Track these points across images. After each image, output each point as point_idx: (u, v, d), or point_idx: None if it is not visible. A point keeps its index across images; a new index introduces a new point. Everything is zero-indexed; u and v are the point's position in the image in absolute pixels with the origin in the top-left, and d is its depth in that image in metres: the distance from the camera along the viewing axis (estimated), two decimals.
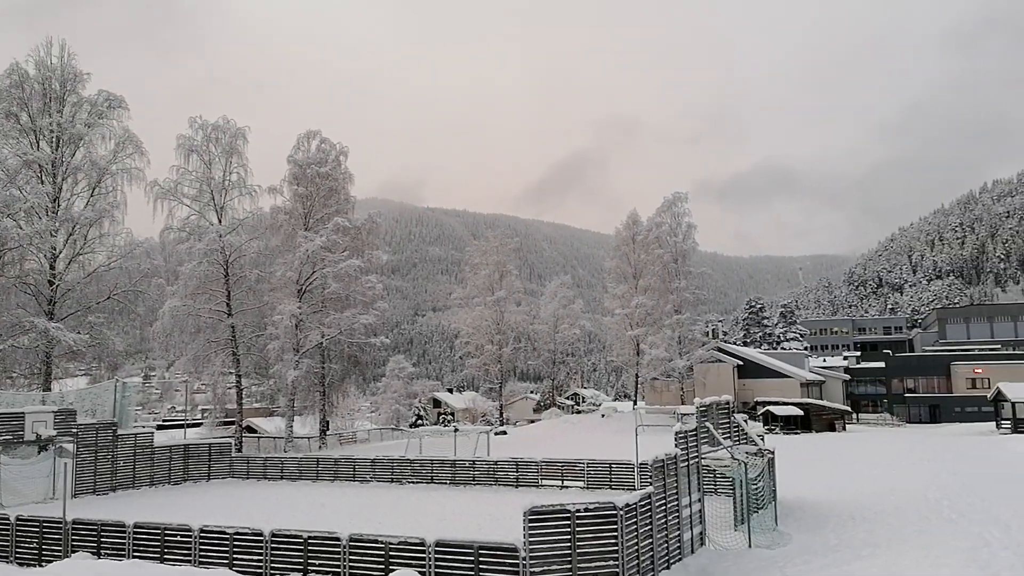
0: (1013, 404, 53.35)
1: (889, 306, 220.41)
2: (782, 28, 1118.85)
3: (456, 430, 49.73)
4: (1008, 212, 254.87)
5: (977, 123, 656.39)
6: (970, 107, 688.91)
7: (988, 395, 61.00)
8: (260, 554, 15.68)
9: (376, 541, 14.57)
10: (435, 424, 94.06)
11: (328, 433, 56.24)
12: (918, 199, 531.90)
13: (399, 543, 14.29)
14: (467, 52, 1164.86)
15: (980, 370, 77.14)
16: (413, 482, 34.79)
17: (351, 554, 14.76)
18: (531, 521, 12.96)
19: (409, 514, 25.83)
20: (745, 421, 23.71)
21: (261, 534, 15.79)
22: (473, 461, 34.57)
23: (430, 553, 13.86)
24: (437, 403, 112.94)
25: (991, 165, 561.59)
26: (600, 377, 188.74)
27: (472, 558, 13.47)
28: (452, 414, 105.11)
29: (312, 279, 52.04)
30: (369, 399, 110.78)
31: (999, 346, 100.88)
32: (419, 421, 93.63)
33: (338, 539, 14.96)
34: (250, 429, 65.01)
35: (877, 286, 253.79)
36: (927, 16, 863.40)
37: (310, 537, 15.29)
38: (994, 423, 58.01)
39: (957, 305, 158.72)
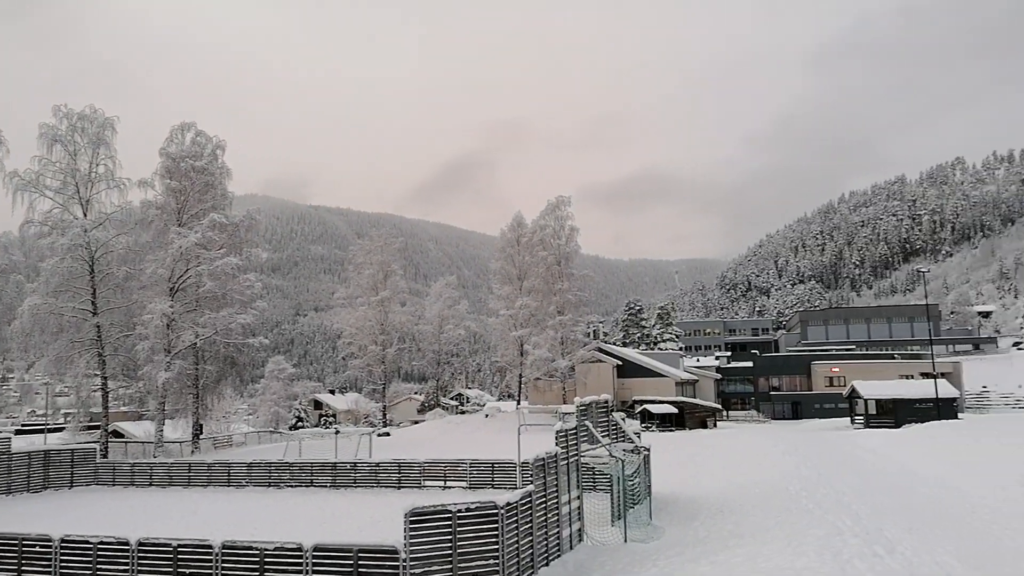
0: (865, 401, 57.32)
1: (757, 308, 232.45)
2: (665, 41, 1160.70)
3: (337, 432, 48.89)
4: (863, 221, 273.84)
5: (838, 138, 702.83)
6: (832, 123, 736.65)
7: (844, 392, 65.23)
8: (127, 565, 14.95)
9: (251, 548, 14.17)
10: (316, 426, 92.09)
11: (202, 437, 54.07)
12: (784, 208, 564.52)
13: (275, 549, 13.96)
14: (357, 50, 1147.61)
15: (837, 369, 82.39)
16: (292, 486, 33.95)
17: (224, 562, 14.28)
18: (412, 522, 12.94)
19: (287, 519, 25.24)
20: (623, 419, 24.46)
21: (127, 543, 15.05)
22: (354, 463, 34.08)
23: (307, 558, 13.61)
24: (319, 405, 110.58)
25: (849, 177, 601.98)
26: (485, 377, 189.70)
27: (351, 562, 13.31)
28: (334, 416, 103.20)
29: (186, 277, 49.92)
30: (247, 401, 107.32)
31: (854, 346, 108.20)
32: (299, 423, 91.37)
33: (210, 547, 14.45)
34: (117, 434, 61.70)
35: (747, 289, 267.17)
36: (795, 37, 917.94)
37: (180, 545, 14.70)
38: (849, 418, 62.14)
39: (817, 308, 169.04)
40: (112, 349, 48.91)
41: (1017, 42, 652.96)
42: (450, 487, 31.36)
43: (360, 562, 13.25)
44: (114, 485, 37.31)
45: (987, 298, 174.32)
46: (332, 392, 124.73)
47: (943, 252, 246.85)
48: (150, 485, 36.54)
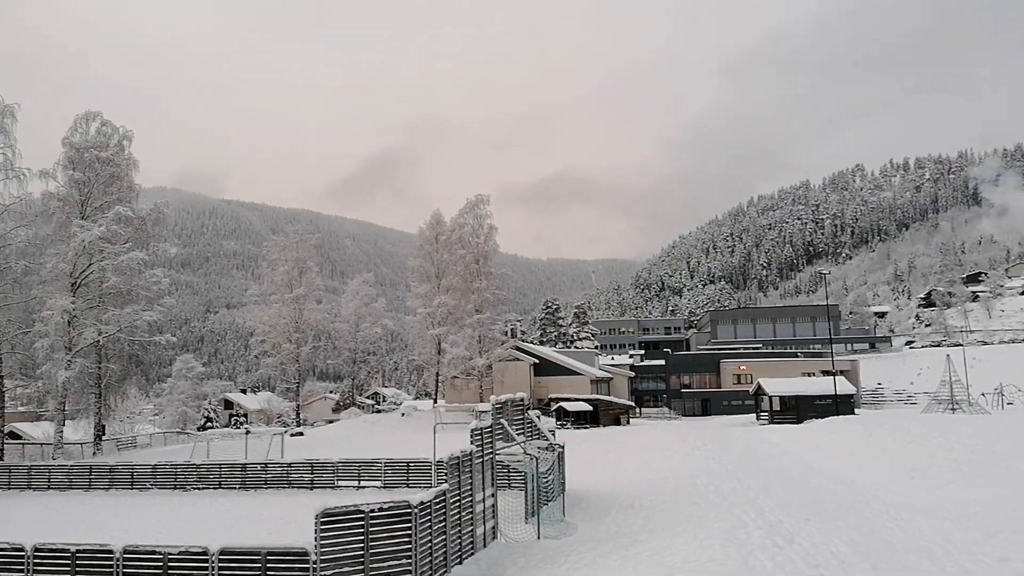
0: (770, 397, 59.55)
1: (670, 308, 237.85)
2: (585, 46, 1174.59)
3: (248, 432, 47.71)
4: (770, 224, 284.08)
5: (748, 144, 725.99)
6: (743, 129, 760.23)
7: (750, 390, 67.56)
8: (22, 572, 14.27)
9: (154, 552, 13.73)
10: (227, 427, 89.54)
11: (104, 438, 51.88)
12: (697, 210, 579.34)
13: (179, 553, 13.56)
14: (278, 44, 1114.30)
15: (744, 367, 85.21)
16: (199, 488, 33.02)
17: (125, 568, 13.80)
18: (323, 523, 12.78)
19: (193, 522, 24.54)
20: (538, 417, 24.75)
21: (23, 549, 14.37)
22: (265, 464, 33.39)
23: (213, 562, 13.28)
24: (229, 404, 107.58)
25: (758, 182, 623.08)
26: (402, 376, 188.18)
27: (259, 565, 13.07)
28: (245, 416, 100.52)
29: (88, 272, 47.82)
30: (153, 401, 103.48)
31: (760, 345, 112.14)
32: (208, 424, 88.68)
33: (111, 552, 13.93)
34: (14, 435, 58.65)
35: (660, 289, 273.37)
36: (710, 46, 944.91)
37: (79, 551, 14.12)
38: (755, 415, 64.40)
39: (727, 308, 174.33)
40: (9, 347, 46.49)
41: (916, 56, 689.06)
42: (364, 487, 31.08)
43: (269, 565, 13.02)
44: (9, 488, 35.61)
45: (883, 299, 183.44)
46: (244, 391, 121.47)
47: (843, 255, 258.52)
48: (48, 488, 34.99)
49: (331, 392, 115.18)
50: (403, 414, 69.10)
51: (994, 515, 17.44)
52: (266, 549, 13.21)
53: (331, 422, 78.42)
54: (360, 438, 53.29)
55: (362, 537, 13.03)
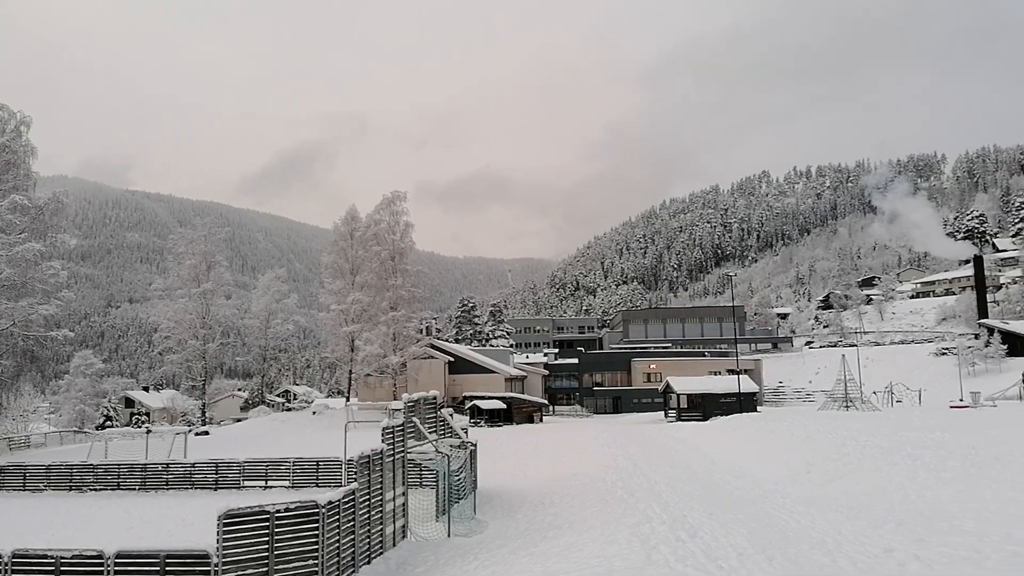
0: (678, 395, 61.20)
1: (584, 307, 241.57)
2: (508, 46, 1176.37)
3: (148, 431, 46.01)
4: (681, 227, 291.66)
5: (662, 148, 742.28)
6: (657, 134, 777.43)
7: (660, 388, 69.24)
8: None
9: (45, 557, 13.12)
10: (127, 426, 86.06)
11: None
12: (612, 212, 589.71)
13: (72, 557, 13.00)
14: (191, 32, 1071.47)
15: (654, 365, 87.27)
16: (96, 489, 31.69)
17: (14, 573, 13.15)
18: (226, 524, 12.48)
19: (89, 524, 23.56)
20: (451, 415, 24.77)
21: None
22: (167, 464, 32.31)
23: (109, 566, 12.79)
24: (131, 403, 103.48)
25: (671, 185, 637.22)
26: (314, 374, 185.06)
27: (158, 568, 12.66)
28: (147, 414, 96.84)
29: None
30: (49, 399, 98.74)
31: (670, 344, 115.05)
32: (108, 423, 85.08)
33: None
34: None
35: (575, 289, 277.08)
36: (630, 52, 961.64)
37: None
38: (663, 412, 66.05)
39: (639, 308, 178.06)
40: None
41: (821, 68, 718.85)
42: (272, 487, 30.46)
43: (168, 569, 12.62)
44: None
45: (785, 301, 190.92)
46: (146, 389, 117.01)
47: (750, 258, 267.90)
48: None
49: (239, 390, 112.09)
50: (314, 412, 67.96)
51: (881, 507, 18.41)
52: (165, 552, 12.80)
53: (239, 421, 76.47)
54: (269, 437, 52.16)
55: (267, 538, 12.79)
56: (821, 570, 12.21)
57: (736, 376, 62.24)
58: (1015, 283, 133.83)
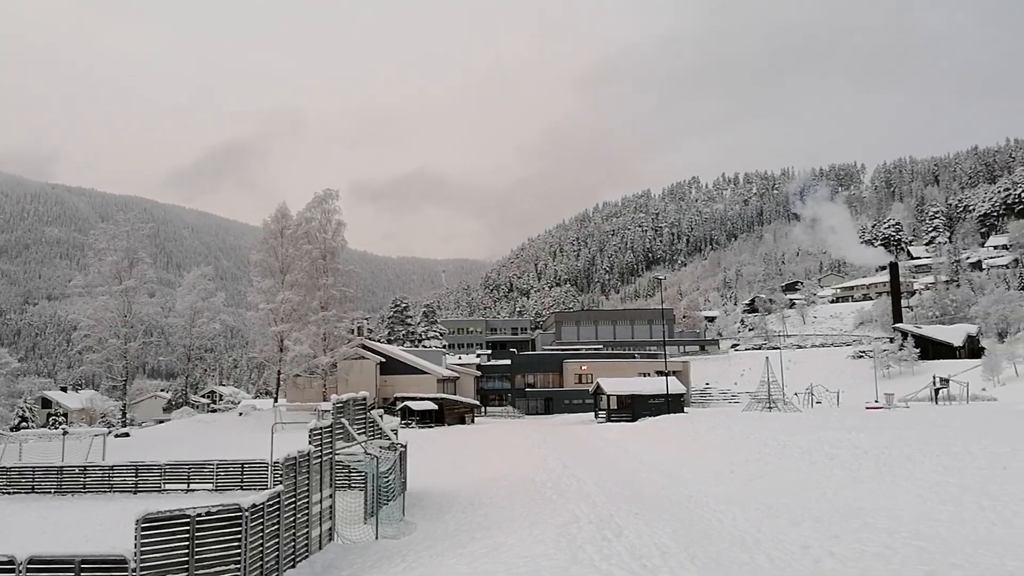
0: (608, 396, 61.98)
1: (518, 309, 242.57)
2: (445, 48, 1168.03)
3: (65, 432, 44.27)
4: (613, 231, 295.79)
5: (596, 152, 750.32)
6: (592, 139, 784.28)
7: (590, 389, 70.03)
8: None
9: None
10: (44, 427, 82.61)
11: None
12: (546, 214, 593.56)
13: None
14: (119, 24, 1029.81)
15: (585, 367, 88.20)
16: (8, 493, 30.42)
17: None
18: (144, 529, 12.13)
19: (1, 529, 22.56)
20: (381, 416, 24.60)
21: None
22: (84, 467, 31.19)
23: (21, 572, 12.29)
24: (47, 403, 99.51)
25: (604, 189, 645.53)
26: (241, 374, 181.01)
27: (73, 574, 12.22)
28: (65, 415, 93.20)
29: None
30: None
31: (601, 346, 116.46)
32: (24, 424, 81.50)
33: None
34: None
35: (509, 290, 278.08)
36: (566, 58, 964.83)
37: None
38: (593, 413, 66.83)
39: (571, 310, 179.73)
40: None
41: (751, 79, 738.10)
42: (194, 490, 29.70)
43: (83, 574, 12.20)
44: None
45: (713, 304, 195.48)
46: (64, 389, 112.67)
47: (679, 262, 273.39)
48: None
49: (162, 390, 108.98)
50: (241, 414, 66.48)
51: (799, 505, 19.04)
52: (80, 557, 12.37)
53: (161, 422, 74.31)
54: (193, 439, 50.83)
55: (187, 542, 12.49)
56: (740, 567, 12.57)
57: (665, 378, 63.39)
58: (928, 289, 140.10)
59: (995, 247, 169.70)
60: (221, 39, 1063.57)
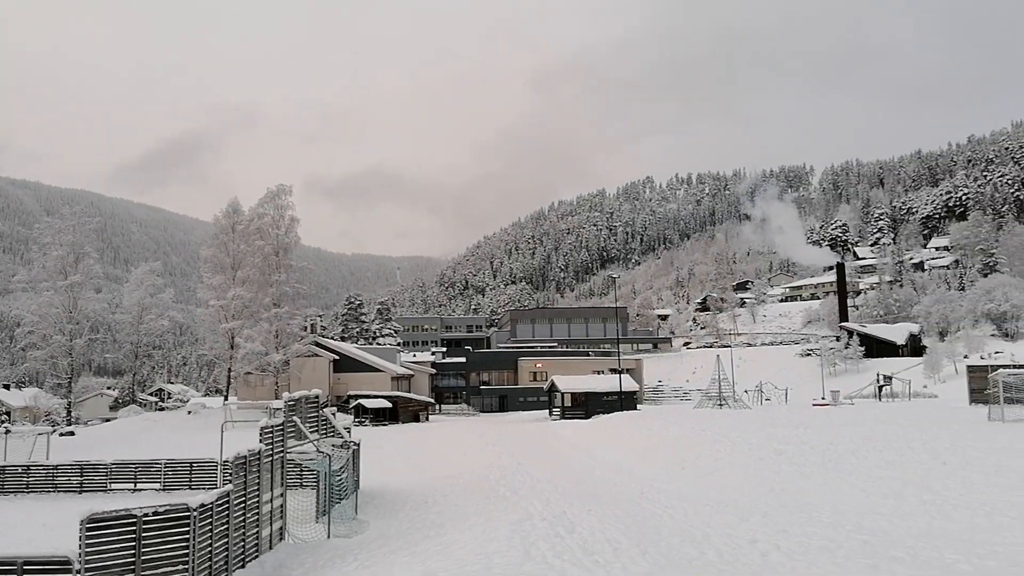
0: (562, 394, 62.37)
1: (473, 306, 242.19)
2: (401, 45, 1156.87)
3: (7, 431, 43.00)
4: (569, 229, 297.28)
5: (552, 151, 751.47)
6: (548, 137, 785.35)
7: (545, 386, 70.36)
8: None
9: None
10: None
11: None
12: (502, 212, 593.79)
13: None
14: (66, 12, 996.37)
15: (540, 364, 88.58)
16: None
17: None
18: (89, 529, 11.86)
19: None
20: (333, 414, 24.39)
21: None
22: (27, 466, 30.34)
23: None
24: None
25: (560, 188, 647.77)
26: (190, 372, 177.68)
27: None
28: (8, 413, 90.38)
29: None
30: None
31: (556, 344, 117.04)
32: None
33: None
34: None
35: (464, 288, 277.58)
36: (522, 56, 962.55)
37: None
38: (548, 410, 67.16)
39: (526, 308, 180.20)
40: None
41: (705, 81, 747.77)
42: (141, 490, 29.12)
43: None
44: None
45: (666, 303, 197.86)
46: (7, 387, 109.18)
47: (633, 261, 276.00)
48: None
49: (109, 388, 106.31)
50: (190, 412, 65.29)
51: (748, 500, 19.41)
52: (23, 558, 12.02)
53: (108, 420, 72.66)
54: (140, 438, 49.86)
55: (133, 543, 12.24)
56: (690, 562, 12.76)
57: (618, 375, 63.98)
58: (873, 289, 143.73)
59: (937, 248, 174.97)
60: (172, 31, 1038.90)
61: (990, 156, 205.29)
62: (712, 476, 23.92)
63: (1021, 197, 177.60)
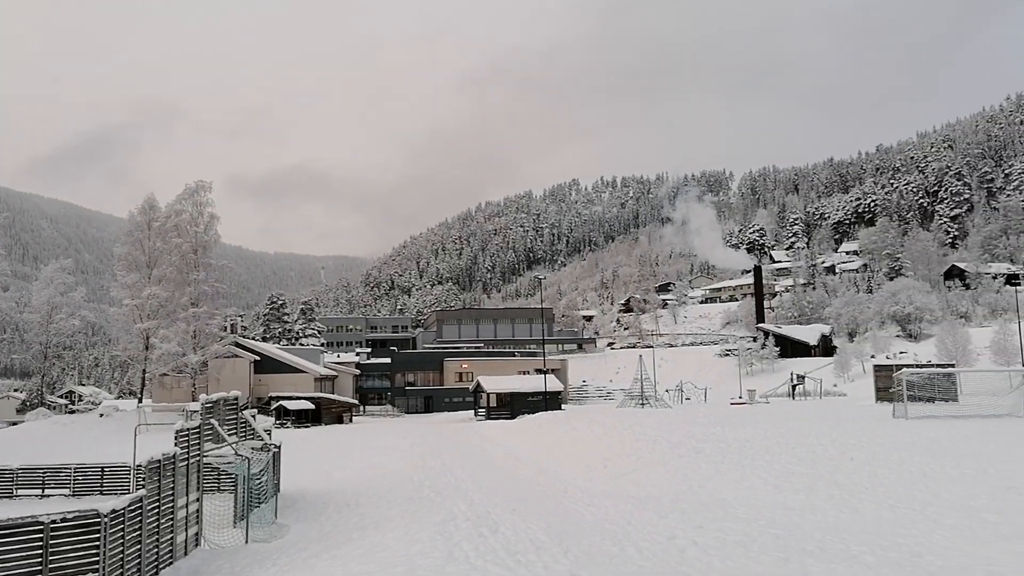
0: (488, 394, 62.53)
1: (399, 307, 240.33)
2: (326, 42, 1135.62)
3: None
4: (496, 230, 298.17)
5: (480, 153, 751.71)
6: (476, 139, 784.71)
7: (471, 387, 70.41)
8: None
9: None
10: None
11: None
12: (429, 212, 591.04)
13: None
14: None
15: (466, 365, 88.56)
16: None
17: None
18: None
19: None
20: (253, 416, 23.88)
21: None
22: None
23: None
24: None
25: (487, 189, 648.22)
26: (103, 373, 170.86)
27: None
28: None
29: None
30: None
31: (482, 344, 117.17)
32: None
33: None
34: None
35: (390, 288, 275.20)
36: (449, 57, 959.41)
37: None
38: (473, 411, 67.23)
39: (453, 308, 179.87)
40: None
41: (630, 87, 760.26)
42: (50, 496, 27.92)
43: None
44: None
45: (591, 304, 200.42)
46: None
47: (559, 262, 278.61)
48: None
49: (16, 390, 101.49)
50: (102, 415, 62.85)
51: (667, 498, 19.85)
52: None
53: (14, 424, 69.43)
54: (49, 441, 47.74)
55: (40, 551, 11.75)
56: (611, 559, 12.98)
57: (543, 376, 64.49)
58: (788, 291, 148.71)
59: (847, 253, 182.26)
60: (89, 24, 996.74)
61: (896, 165, 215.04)
62: (633, 474, 24.36)
63: (924, 204, 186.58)
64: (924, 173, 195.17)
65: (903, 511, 16.25)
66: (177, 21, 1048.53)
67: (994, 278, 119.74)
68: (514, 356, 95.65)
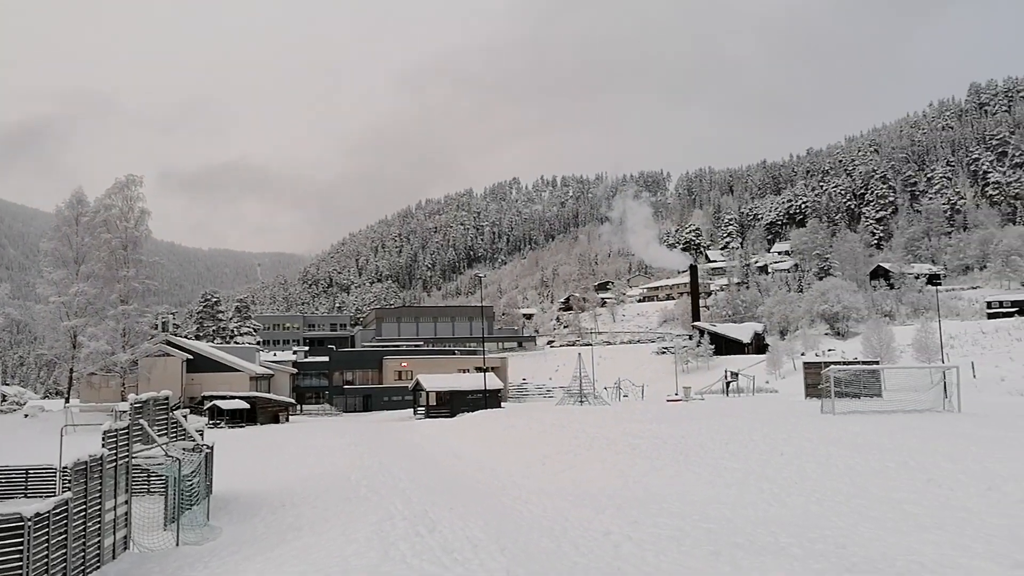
0: (427, 393, 62.33)
1: (337, 305, 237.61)
2: (269, 37, 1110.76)
3: None
4: (436, 228, 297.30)
5: (420, 150, 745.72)
6: (417, 136, 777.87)
7: (410, 385, 70.08)
8: None
9: None
10: None
11: None
12: (369, 209, 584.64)
13: None
14: None
15: (405, 364, 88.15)
16: None
17: None
18: None
19: None
20: (185, 417, 23.34)
21: None
22: None
23: None
24: None
25: (428, 187, 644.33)
26: (28, 372, 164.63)
27: None
28: None
29: None
30: None
31: (422, 343, 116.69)
32: None
33: None
34: None
35: (328, 285, 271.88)
36: (388, 55, 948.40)
37: None
38: (412, 409, 66.92)
39: (392, 306, 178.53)
40: None
41: (568, 88, 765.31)
42: None
43: None
44: None
45: (531, 302, 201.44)
46: None
47: (500, 260, 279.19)
48: None
49: None
50: (26, 415, 60.48)
51: (604, 494, 20.13)
52: None
53: None
54: None
55: None
56: (547, 556, 13.13)
57: (483, 374, 64.58)
58: (722, 290, 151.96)
59: (779, 253, 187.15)
60: (16, 12, 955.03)
61: (826, 168, 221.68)
62: (571, 471, 24.62)
63: (852, 207, 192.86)
64: (852, 176, 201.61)
65: (829, 504, 16.82)
66: (112, 12, 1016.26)
67: (916, 278, 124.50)
68: (454, 354, 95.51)
